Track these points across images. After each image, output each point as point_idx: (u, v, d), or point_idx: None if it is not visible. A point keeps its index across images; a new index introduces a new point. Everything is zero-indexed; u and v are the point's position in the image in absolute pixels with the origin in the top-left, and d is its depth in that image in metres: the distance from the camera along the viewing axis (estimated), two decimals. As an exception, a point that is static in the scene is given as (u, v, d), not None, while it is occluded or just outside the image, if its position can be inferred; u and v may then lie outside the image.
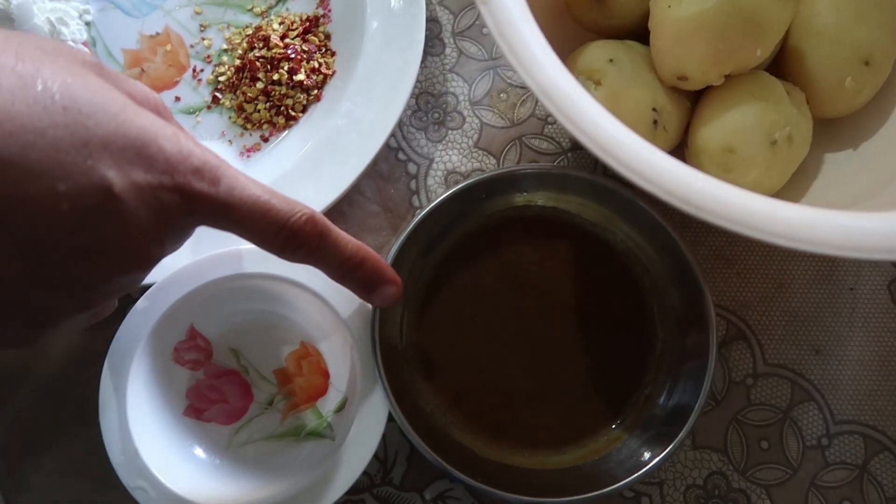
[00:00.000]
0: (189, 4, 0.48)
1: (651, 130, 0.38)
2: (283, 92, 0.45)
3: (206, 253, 0.39)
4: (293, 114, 0.46)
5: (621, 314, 0.41)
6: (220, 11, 0.48)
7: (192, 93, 0.46)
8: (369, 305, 0.39)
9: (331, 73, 0.46)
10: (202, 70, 0.47)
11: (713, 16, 0.34)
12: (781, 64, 0.40)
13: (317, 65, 0.46)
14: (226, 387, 0.40)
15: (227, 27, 0.48)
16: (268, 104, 0.46)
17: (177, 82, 0.47)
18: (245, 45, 0.47)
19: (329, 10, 0.48)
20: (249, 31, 0.47)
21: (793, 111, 0.37)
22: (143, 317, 0.38)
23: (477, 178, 0.39)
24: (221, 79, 0.47)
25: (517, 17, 0.30)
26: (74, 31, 0.46)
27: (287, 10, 0.48)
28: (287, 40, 0.46)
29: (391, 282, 0.34)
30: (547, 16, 0.36)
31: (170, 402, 0.39)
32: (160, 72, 0.47)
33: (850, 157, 0.40)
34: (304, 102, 0.46)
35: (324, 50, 0.47)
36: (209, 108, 0.46)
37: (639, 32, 0.40)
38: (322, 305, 0.39)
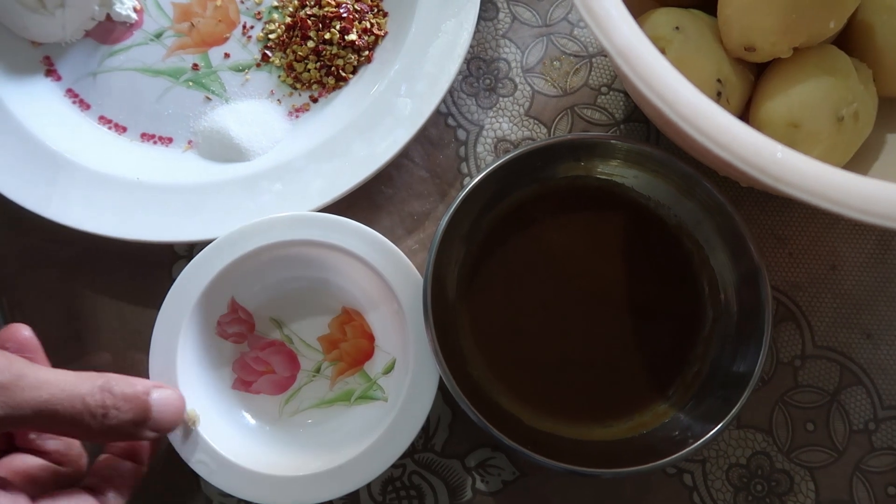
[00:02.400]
0: (240, -41, 0.47)
1: (714, 102, 0.37)
2: (333, 52, 0.45)
3: (239, 224, 0.39)
4: (343, 74, 0.45)
5: (671, 290, 0.40)
6: (271, -33, 0.47)
7: (241, 50, 0.46)
8: (419, 275, 0.38)
9: (383, 34, 0.46)
10: (252, 27, 0.46)
11: None
12: (848, 39, 0.38)
13: (369, 25, 0.45)
14: (271, 357, 0.40)
15: (279, -16, 0.47)
16: (318, 64, 0.45)
17: (226, 38, 0.46)
18: (296, 2, 0.46)
19: (381, -30, 0.47)
20: (301, -12, 0.46)
21: (860, 87, 0.36)
22: (184, 292, 0.38)
23: (535, 145, 0.38)
24: (272, 36, 0.46)
25: (594, -24, 0.29)
26: (125, -17, 0.46)
27: (339, -32, 0.47)
28: (339, -1, 0.45)
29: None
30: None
31: (218, 377, 0.39)
32: (210, 27, 0.46)
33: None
34: (355, 63, 0.45)
35: (376, 10, 0.46)
36: (258, 66, 0.46)
37: (702, 1, 0.39)
38: (367, 270, 0.39)
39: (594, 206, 0.41)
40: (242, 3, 0.47)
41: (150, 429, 0.32)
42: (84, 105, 0.45)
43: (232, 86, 0.45)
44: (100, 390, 0.30)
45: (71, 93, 0.45)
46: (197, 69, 0.45)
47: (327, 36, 0.44)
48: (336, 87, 0.45)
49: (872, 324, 0.42)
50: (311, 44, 0.45)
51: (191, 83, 0.45)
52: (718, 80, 0.37)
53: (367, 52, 0.45)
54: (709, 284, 0.40)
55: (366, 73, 0.45)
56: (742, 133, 0.28)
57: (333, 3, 0.45)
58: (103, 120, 0.45)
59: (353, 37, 0.44)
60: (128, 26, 0.46)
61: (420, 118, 0.42)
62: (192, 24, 0.46)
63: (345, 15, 0.45)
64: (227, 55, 0.46)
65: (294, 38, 0.45)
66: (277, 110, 0.45)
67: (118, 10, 0.45)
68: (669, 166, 0.38)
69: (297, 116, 0.45)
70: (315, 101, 0.45)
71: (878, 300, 0.43)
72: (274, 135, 0.44)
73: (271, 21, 0.46)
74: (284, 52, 0.46)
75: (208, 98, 0.45)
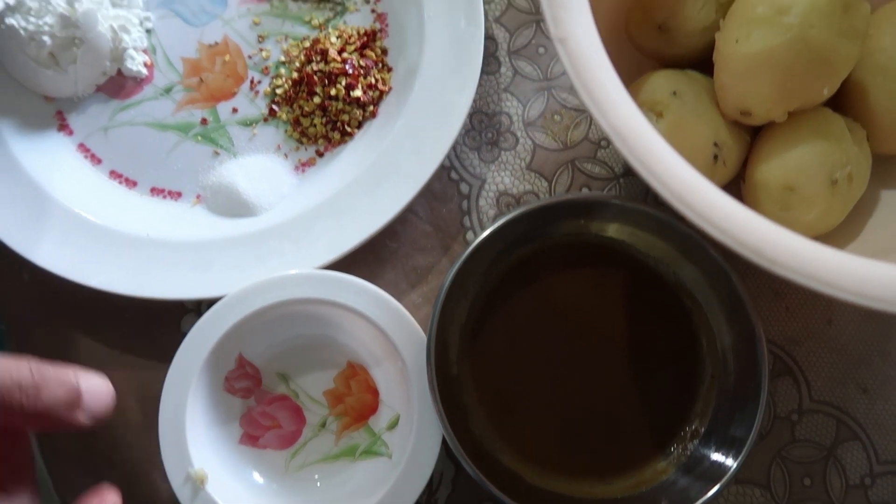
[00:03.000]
0: (248, 15, 0.48)
1: (711, 165, 0.38)
2: (339, 107, 0.46)
3: (248, 280, 0.40)
4: (349, 130, 0.46)
5: (671, 346, 0.41)
6: (279, 23, 0.48)
7: (249, 104, 0.47)
8: (422, 332, 0.39)
9: (387, 89, 0.47)
10: (259, 82, 0.47)
11: (782, 53, 0.34)
12: (842, 98, 0.38)
13: (373, 81, 0.46)
14: (278, 412, 0.41)
15: (285, 39, 0.48)
16: (324, 119, 0.46)
17: (234, 93, 0.47)
18: (302, 57, 0.47)
19: (386, 25, 0.48)
20: (307, 44, 0.47)
21: (854, 149, 0.36)
22: (193, 351, 0.39)
23: (536, 204, 0.39)
24: (279, 91, 0.47)
25: (594, 57, 0.30)
26: (136, 39, 0.47)
27: (344, 23, 0.48)
28: (345, 54, 0.46)
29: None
30: (607, 40, 0.34)
31: (226, 432, 0.40)
32: (218, 82, 0.47)
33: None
34: (360, 118, 0.46)
35: (381, 66, 0.47)
36: (266, 120, 0.47)
37: (699, 61, 0.40)
38: (371, 327, 0.40)
39: (595, 263, 0.42)
40: (250, 58, 0.48)
41: (83, 410, 0.31)
42: (95, 159, 0.46)
43: (240, 140, 0.46)
44: (29, 369, 0.30)
45: (83, 147, 0.46)
46: (206, 124, 0.46)
47: (333, 92, 0.45)
48: (342, 142, 0.46)
49: (868, 379, 0.43)
50: (317, 99, 0.46)
51: (199, 138, 0.46)
52: (715, 144, 0.38)
53: (371, 107, 0.46)
54: (707, 342, 0.41)
55: (371, 127, 0.46)
56: (737, 214, 0.29)
57: (339, 59, 0.46)
58: (114, 174, 0.46)
59: (358, 93, 0.45)
60: (138, 81, 0.47)
61: (424, 175, 0.43)
62: (201, 79, 0.47)
63: (350, 71, 0.46)
64: (235, 110, 0.47)
65: (300, 94, 0.46)
66: (284, 165, 0.46)
67: (129, 65, 0.46)
68: (668, 227, 0.39)
69: (303, 171, 0.46)
70: (321, 155, 0.46)
71: (873, 355, 0.43)
72: (281, 189, 0.45)
73: (278, 76, 0.47)
74: (291, 107, 0.47)
75: (216, 152, 0.46)
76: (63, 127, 0.46)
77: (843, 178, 0.36)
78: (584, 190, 0.46)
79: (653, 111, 0.38)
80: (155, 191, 0.45)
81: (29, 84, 0.45)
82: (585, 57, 0.30)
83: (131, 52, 0.46)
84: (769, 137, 0.38)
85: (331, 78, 0.46)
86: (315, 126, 0.46)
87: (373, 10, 0.48)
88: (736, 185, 0.40)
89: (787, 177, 0.36)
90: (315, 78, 0.46)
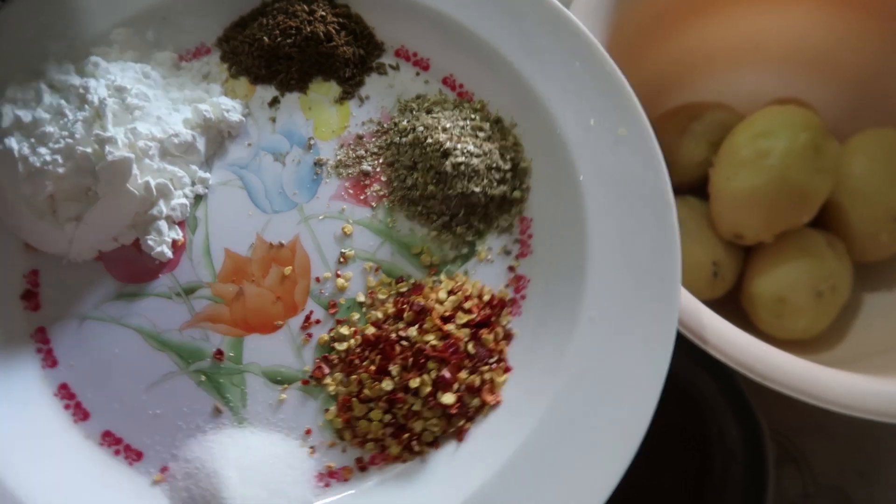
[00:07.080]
0: (338, 217, 0.33)
1: (711, 281, 0.40)
2: (414, 408, 0.29)
3: None
4: (416, 446, 0.29)
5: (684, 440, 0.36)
6: (376, 242, 0.33)
7: (289, 352, 0.31)
8: None
9: (494, 402, 0.30)
10: (318, 321, 0.32)
11: (766, 189, 0.38)
12: (823, 216, 0.41)
13: (479, 382, 0.30)
14: None
15: (376, 270, 0.33)
16: (387, 416, 0.30)
17: (277, 326, 0.32)
18: (390, 308, 0.31)
19: (523, 297, 0.32)
20: (404, 288, 0.32)
21: (835, 263, 0.40)
22: None
23: None
24: (339, 347, 0.31)
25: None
26: (175, 206, 0.32)
27: (466, 273, 0.33)
28: (451, 326, 0.30)
29: None
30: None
31: None
32: (261, 302, 0.32)
33: (887, 298, 0.42)
34: (438, 434, 0.30)
35: (498, 360, 0.31)
36: (305, 383, 0.31)
37: (697, 186, 0.43)
38: None
39: None
40: (318, 281, 0.32)
41: None
42: (50, 359, 0.31)
43: (257, 402, 0.31)
44: None
45: (40, 334, 0.31)
46: (220, 359, 0.31)
47: (414, 383, 0.29)
48: (400, 460, 0.30)
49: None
50: (387, 384, 0.30)
51: (203, 378, 0.31)
52: (714, 263, 0.40)
53: (462, 423, 0.30)
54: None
55: (451, 455, 0.29)
56: (737, 338, 0.30)
57: (442, 327, 0.30)
58: (63, 390, 0.30)
59: (449, 399, 0.29)
60: (156, 264, 0.33)
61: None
62: (241, 290, 0.32)
63: (451, 357, 0.30)
64: (269, 351, 0.31)
65: (367, 363, 0.30)
66: (304, 465, 0.30)
67: (151, 241, 0.32)
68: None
69: (327, 485, 0.29)
70: (363, 468, 0.30)
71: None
72: (283, 509, 0.28)
73: (347, 322, 0.32)
74: (347, 378, 0.31)
75: (218, 410, 0.30)
76: (29, 296, 0.32)
77: (827, 289, 0.39)
78: None
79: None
80: (108, 437, 0.30)
81: (9, 225, 0.32)
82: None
83: (161, 224, 0.32)
84: (761, 255, 0.41)
85: (417, 357, 0.30)
86: (370, 420, 0.30)
87: (511, 268, 0.33)
88: (735, 296, 0.42)
89: (778, 290, 0.39)
90: (397, 348, 0.30)
